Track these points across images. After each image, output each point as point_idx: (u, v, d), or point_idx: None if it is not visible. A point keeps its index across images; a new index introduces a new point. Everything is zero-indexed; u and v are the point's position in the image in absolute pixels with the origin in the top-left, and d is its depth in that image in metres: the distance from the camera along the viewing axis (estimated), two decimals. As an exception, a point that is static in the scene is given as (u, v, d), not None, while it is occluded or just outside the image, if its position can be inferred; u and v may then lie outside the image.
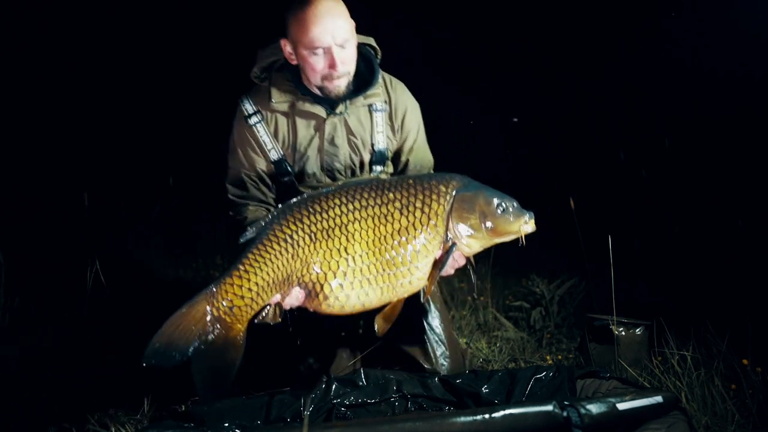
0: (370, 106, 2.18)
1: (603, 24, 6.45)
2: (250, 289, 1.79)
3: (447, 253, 1.85)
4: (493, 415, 1.61)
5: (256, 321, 1.87)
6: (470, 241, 1.87)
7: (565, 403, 1.67)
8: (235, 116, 2.18)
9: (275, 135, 2.16)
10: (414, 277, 1.86)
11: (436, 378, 1.98)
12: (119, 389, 2.29)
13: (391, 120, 2.22)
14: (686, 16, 5.67)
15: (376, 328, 1.91)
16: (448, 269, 1.89)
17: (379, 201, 1.85)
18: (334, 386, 1.92)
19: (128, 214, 4.98)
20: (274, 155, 2.17)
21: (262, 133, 2.14)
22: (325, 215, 1.83)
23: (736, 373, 2.28)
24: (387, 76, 2.24)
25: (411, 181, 1.89)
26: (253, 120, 2.13)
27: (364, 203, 1.84)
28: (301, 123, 2.15)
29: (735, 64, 5.03)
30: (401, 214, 1.84)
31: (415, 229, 1.84)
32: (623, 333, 2.59)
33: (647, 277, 3.68)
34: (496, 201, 1.85)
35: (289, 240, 1.81)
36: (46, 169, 5.49)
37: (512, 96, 6.69)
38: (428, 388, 1.94)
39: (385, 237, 1.83)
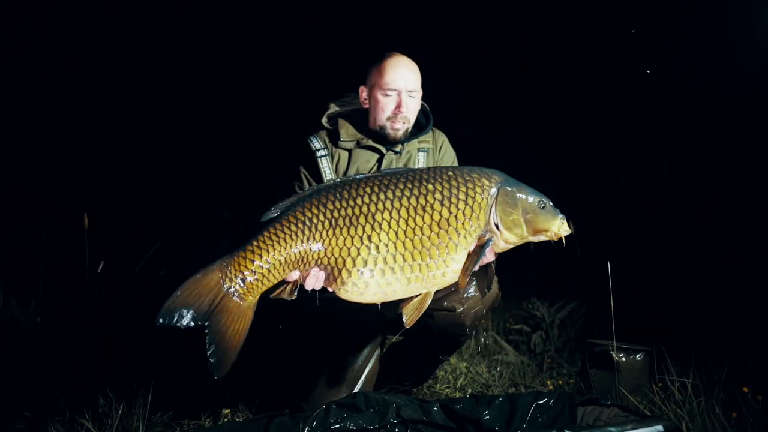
0: (419, 148, 2.41)
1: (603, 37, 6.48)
2: (261, 266, 1.83)
3: (483, 246, 1.86)
4: (494, 443, 1.61)
5: (271, 296, 1.91)
6: (508, 236, 1.90)
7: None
8: (299, 152, 2.38)
9: (336, 170, 2.35)
10: (449, 269, 1.87)
11: (436, 403, 1.97)
12: (119, 389, 2.29)
13: (433, 157, 2.44)
14: (686, 19, 5.69)
15: (404, 319, 1.91)
16: (477, 265, 1.89)
17: (416, 192, 1.87)
18: (333, 410, 1.91)
19: (129, 217, 5.00)
20: None
21: (326, 165, 2.33)
22: (351, 202, 1.86)
23: (737, 401, 2.27)
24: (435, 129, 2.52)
25: (451, 173, 1.92)
26: (320, 153, 2.35)
27: (398, 193, 1.87)
28: (362, 157, 2.35)
29: (735, 76, 5.04)
30: (442, 205, 1.86)
31: (457, 221, 1.86)
32: (623, 359, 2.58)
33: (647, 302, 3.68)
34: (537, 198, 1.91)
35: (307, 223, 1.85)
36: (48, 169, 5.51)
37: (509, 115, 6.71)
38: (428, 413, 1.94)
39: (421, 228, 1.84)
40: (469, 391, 2.72)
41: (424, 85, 2.35)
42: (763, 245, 3.68)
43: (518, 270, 3.16)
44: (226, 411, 2.37)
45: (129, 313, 3.53)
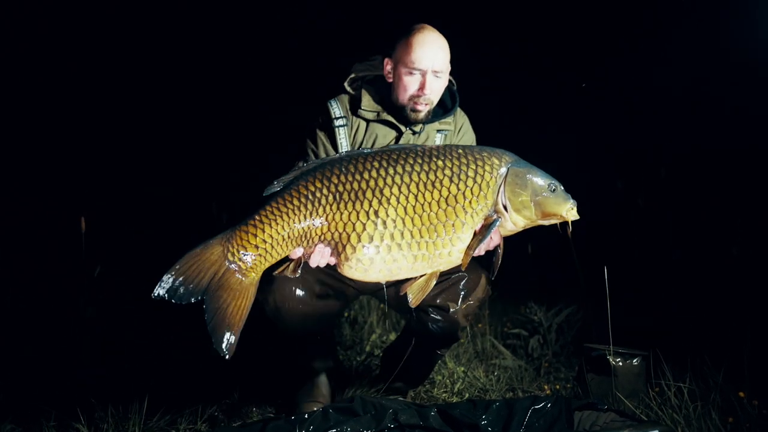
0: (438, 129, 2.30)
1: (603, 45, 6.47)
2: (264, 240, 1.79)
3: (489, 226, 1.83)
4: (490, 450, 1.61)
5: (275, 273, 1.87)
6: (517, 217, 1.87)
7: (562, 438, 1.67)
8: (319, 116, 2.28)
9: (353, 141, 2.26)
10: (455, 248, 1.84)
11: (433, 408, 1.98)
12: (115, 393, 2.29)
13: (451, 139, 2.34)
14: (686, 19, 5.68)
15: (410, 298, 1.89)
16: (483, 246, 1.86)
17: (426, 167, 1.83)
18: (330, 414, 1.92)
19: (128, 217, 5.01)
20: None
21: (342, 136, 2.23)
22: (357, 176, 1.82)
23: (733, 406, 2.27)
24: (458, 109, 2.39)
25: (461, 151, 1.89)
26: (339, 123, 2.24)
27: (408, 168, 1.83)
28: (380, 132, 2.25)
29: (735, 76, 5.02)
30: (451, 181, 1.83)
31: (465, 198, 1.82)
32: (620, 364, 2.58)
33: (646, 303, 3.68)
34: (548, 181, 1.88)
35: (310, 197, 1.81)
36: (46, 170, 5.52)
37: (509, 115, 6.70)
38: (425, 418, 1.94)
39: (430, 204, 1.81)
40: (467, 395, 2.72)
41: (452, 61, 2.19)
42: (762, 248, 3.68)
43: (516, 274, 3.17)
44: (222, 417, 2.37)
45: (128, 314, 3.55)
